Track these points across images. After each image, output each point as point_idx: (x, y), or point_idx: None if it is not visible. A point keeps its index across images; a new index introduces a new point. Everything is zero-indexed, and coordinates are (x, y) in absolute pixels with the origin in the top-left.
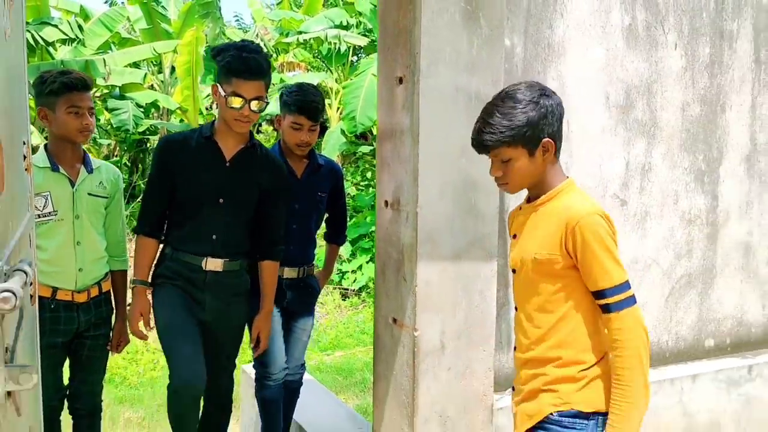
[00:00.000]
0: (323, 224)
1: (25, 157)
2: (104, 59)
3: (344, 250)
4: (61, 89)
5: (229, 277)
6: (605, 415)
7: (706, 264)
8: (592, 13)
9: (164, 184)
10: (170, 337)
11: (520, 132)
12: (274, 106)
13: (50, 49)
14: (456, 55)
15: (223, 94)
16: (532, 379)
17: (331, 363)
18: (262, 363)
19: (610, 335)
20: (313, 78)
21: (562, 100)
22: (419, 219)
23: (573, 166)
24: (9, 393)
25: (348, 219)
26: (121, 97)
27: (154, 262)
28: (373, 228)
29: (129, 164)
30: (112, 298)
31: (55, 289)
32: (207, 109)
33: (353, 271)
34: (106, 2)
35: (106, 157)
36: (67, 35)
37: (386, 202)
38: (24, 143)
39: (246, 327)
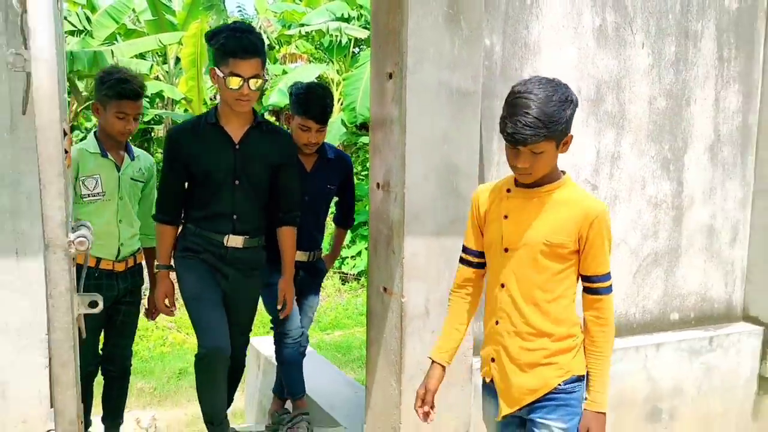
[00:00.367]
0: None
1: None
2: (112, 50)
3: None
4: (114, 96)
5: (248, 253)
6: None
7: (671, 244)
8: (564, 16)
9: (177, 173)
10: (197, 305)
11: (559, 128)
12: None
13: None
14: (439, 53)
15: (221, 75)
16: (527, 353)
17: (331, 341)
18: (281, 323)
19: (594, 312)
20: (314, 69)
21: None
22: (406, 199)
23: None
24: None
25: (355, 205)
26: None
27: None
28: (365, 244)
29: None
30: (145, 271)
31: (99, 260)
32: (211, 99)
33: (353, 257)
34: None
35: None
36: (75, 27)
37: (378, 184)
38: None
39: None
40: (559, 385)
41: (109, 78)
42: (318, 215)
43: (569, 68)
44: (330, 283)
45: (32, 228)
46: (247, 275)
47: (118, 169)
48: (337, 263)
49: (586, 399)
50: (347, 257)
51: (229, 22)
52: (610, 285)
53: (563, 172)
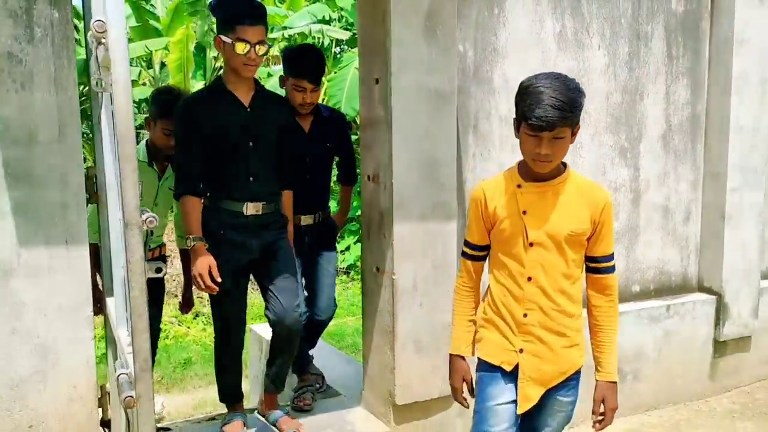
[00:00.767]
0: (335, 168)
1: None
2: None
3: None
4: (162, 115)
5: (268, 218)
6: None
7: (631, 224)
8: (528, 23)
9: (195, 141)
10: (221, 301)
11: (578, 114)
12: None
13: None
14: (419, 60)
15: (229, 41)
16: (559, 339)
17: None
18: None
19: (603, 290)
20: None
21: (506, 93)
22: (394, 189)
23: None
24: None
25: (356, 161)
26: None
27: None
28: (359, 212)
29: None
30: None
31: None
32: None
33: (342, 252)
34: None
35: None
36: None
37: (369, 177)
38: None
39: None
40: (582, 364)
41: (160, 98)
42: (321, 175)
43: (534, 69)
44: None
45: (79, 220)
46: (273, 237)
47: (159, 179)
48: None
49: (597, 370)
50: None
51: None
52: (614, 264)
53: (564, 164)
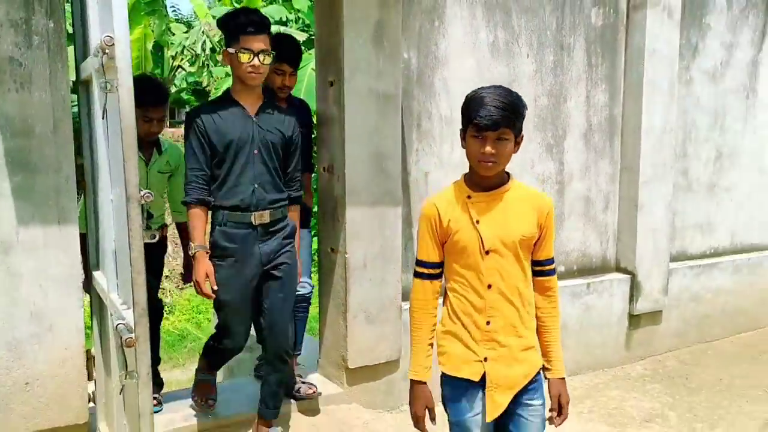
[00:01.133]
0: None
1: None
2: None
3: None
4: (139, 102)
5: (276, 224)
6: None
7: (556, 212)
8: (465, 34)
9: (203, 151)
10: (225, 315)
11: (521, 120)
12: None
13: None
14: (368, 66)
15: (233, 52)
16: (520, 341)
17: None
18: None
19: (547, 292)
20: None
21: (446, 95)
22: (346, 179)
23: (458, 146)
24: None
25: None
26: (74, 92)
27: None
28: (316, 208)
29: None
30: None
31: None
32: None
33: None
34: None
35: None
36: None
37: (324, 168)
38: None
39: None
40: (541, 366)
41: (139, 86)
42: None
43: (470, 75)
44: None
45: (69, 202)
46: (281, 246)
47: (147, 164)
48: None
49: (548, 369)
50: None
51: (171, 25)
52: (555, 267)
53: (508, 174)
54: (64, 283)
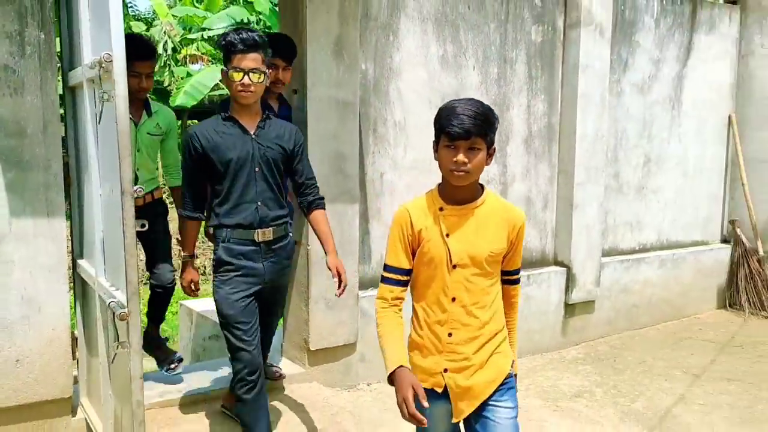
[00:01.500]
0: None
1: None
2: None
3: None
4: (128, 56)
5: (279, 242)
6: None
7: None
8: (417, 48)
9: (199, 168)
10: (233, 331)
11: (492, 130)
12: (183, 99)
13: None
14: (329, 76)
15: (226, 70)
16: (483, 351)
17: None
18: None
19: (513, 299)
20: (216, 70)
21: (400, 103)
22: None
23: (410, 149)
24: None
25: None
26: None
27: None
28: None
29: None
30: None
31: None
32: None
33: None
34: None
35: None
36: None
37: None
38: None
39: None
40: (510, 370)
41: (128, 42)
42: None
43: (422, 85)
44: None
45: (58, 196)
46: (282, 265)
47: (136, 125)
48: None
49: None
50: None
51: (131, 24)
52: (520, 276)
53: (482, 186)
54: (51, 270)
